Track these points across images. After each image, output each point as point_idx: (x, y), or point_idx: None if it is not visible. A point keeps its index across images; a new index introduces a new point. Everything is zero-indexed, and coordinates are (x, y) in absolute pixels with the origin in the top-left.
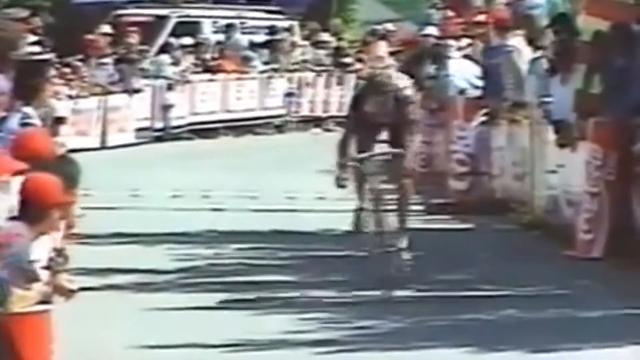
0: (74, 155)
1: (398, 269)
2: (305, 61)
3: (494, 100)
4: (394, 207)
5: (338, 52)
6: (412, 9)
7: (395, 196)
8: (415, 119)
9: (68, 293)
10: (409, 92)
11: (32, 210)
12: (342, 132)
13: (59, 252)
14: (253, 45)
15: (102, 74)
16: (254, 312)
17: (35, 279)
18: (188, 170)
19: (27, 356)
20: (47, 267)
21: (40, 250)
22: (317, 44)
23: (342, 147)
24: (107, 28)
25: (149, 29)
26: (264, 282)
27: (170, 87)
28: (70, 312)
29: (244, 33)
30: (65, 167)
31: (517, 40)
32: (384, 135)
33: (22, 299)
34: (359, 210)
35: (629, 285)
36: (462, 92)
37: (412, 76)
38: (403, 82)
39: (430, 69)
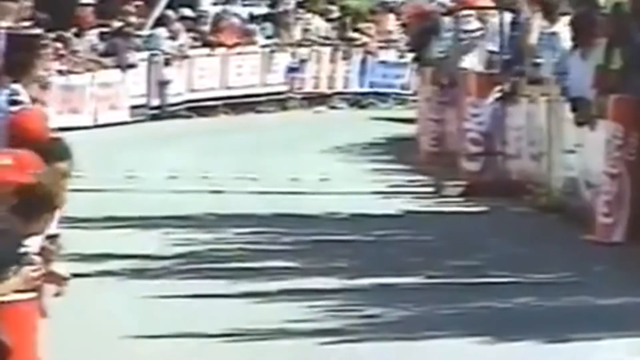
0: (65, 134)
1: None
2: (309, 34)
3: (511, 76)
4: None
5: (344, 25)
6: None
7: None
8: None
9: (62, 282)
10: None
11: None
12: None
13: (53, 238)
14: (254, 18)
15: (91, 46)
16: (255, 299)
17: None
18: (186, 150)
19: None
20: (39, 254)
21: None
22: (322, 16)
23: None
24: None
25: (145, 1)
26: (265, 268)
27: (167, 62)
28: (62, 300)
29: (244, 5)
30: (56, 149)
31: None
32: None
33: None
34: None
35: None
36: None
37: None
38: None
39: (442, 42)
